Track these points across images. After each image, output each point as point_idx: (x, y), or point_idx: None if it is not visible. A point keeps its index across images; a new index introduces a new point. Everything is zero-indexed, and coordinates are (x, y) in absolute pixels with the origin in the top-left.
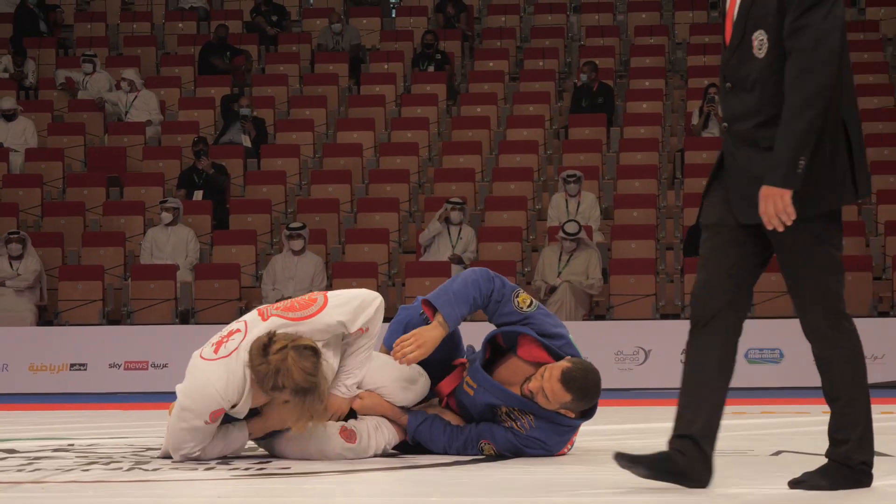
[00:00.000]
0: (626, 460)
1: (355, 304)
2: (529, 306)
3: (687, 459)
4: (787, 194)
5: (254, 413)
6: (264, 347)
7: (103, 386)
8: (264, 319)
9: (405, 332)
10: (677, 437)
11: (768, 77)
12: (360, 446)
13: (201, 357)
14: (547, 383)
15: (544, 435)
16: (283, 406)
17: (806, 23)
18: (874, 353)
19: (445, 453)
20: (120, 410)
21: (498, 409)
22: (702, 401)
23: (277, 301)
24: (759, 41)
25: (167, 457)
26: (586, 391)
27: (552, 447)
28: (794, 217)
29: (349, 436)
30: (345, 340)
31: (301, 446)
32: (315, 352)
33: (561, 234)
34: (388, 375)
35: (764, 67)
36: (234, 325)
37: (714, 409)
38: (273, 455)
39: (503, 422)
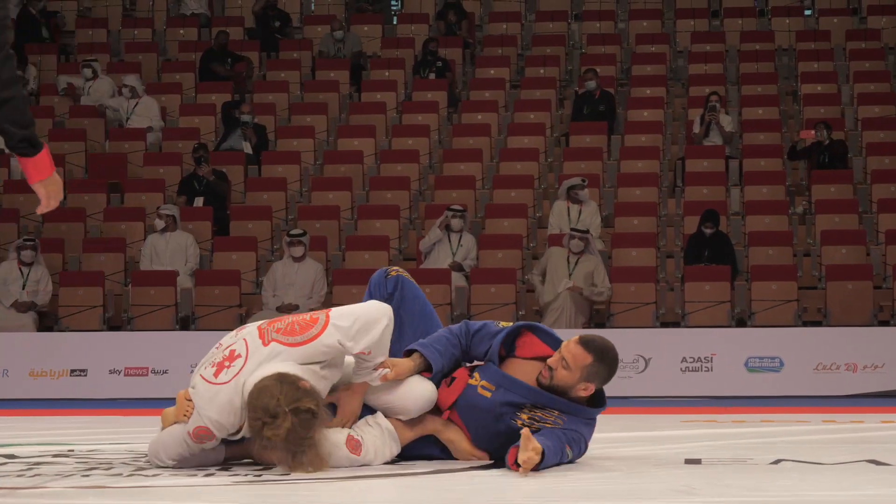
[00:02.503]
0: None
1: (357, 327)
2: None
3: None
4: None
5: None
6: (269, 418)
7: (103, 392)
8: (265, 344)
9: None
10: None
11: None
12: (364, 458)
13: (202, 377)
14: (566, 350)
15: (576, 425)
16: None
17: None
18: (874, 363)
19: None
20: (120, 416)
21: (517, 412)
22: None
23: (278, 316)
24: None
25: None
26: (605, 352)
27: (587, 437)
28: None
29: (355, 446)
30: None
31: None
32: (314, 415)
33: (571, 231)
34: (405, 388)
35: None
36: (234, 346)
37: None
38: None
39: (517, 420)
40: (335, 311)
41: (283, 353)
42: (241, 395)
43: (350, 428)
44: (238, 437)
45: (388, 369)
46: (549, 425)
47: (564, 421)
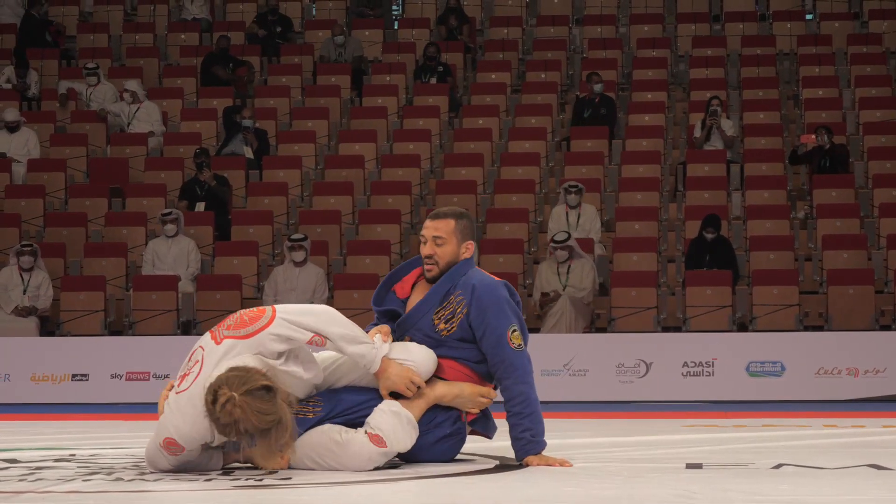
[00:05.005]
0: None
1: (301, 311)
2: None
3: None
4: None
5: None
6: (213, 403)
7: (105, 396)
8: (218, 343)
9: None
10: None
11: None
12: (390, 450)
13: (173, 390)
14: (429, 233)
15: (487, 299)
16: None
17: None
18: (876, 367)
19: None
20: (121, 421)
21: (434, 329)
22: None
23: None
24: None
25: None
26: (453, 208)
27: (508, 297)
28: None
29: (378, 441)
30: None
31: (335, 457)
32: (267, 389)
33: (551, 244)
34: (416, 351)
35: None
36: (195, 353)
37: None
38: (297, 467)
39: (443, 331)
40: (281, 305)
41: (237, 346)
42: (201, 400)
43: (365, 425)
44: (215, 444)
45: (380, 334)
46: (462, 315)
47: (472, 307)
